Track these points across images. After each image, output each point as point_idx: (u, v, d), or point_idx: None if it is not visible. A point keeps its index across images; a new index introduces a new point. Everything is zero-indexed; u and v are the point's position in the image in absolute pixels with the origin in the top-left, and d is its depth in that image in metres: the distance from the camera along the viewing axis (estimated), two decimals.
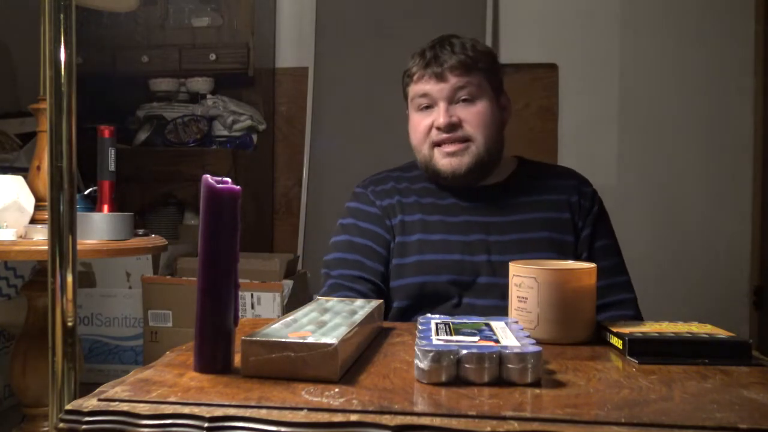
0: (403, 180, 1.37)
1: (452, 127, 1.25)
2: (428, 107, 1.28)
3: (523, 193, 1.31)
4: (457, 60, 1.25)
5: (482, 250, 1.25)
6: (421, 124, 1.28)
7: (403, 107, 1.36)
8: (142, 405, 0.59)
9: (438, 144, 1.26)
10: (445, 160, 1.26)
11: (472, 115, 1.25)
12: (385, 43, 2.88)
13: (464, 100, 1.26)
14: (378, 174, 1.40)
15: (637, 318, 1.21)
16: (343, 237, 1.33)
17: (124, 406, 0.59)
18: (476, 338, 0.73)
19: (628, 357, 0.79)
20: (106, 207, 1.57)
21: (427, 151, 1.28)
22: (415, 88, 1.28)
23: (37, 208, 1.51)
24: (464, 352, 0.66)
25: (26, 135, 2.50)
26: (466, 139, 1.25)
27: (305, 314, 0.82)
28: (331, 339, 0.66)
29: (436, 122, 1.25)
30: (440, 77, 1.25)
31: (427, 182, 1.35)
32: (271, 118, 3.05)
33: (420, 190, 1.34)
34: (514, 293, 0.90)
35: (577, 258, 1.25)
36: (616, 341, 0.84)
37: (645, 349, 0.79)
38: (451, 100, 1.26)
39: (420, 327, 0.79)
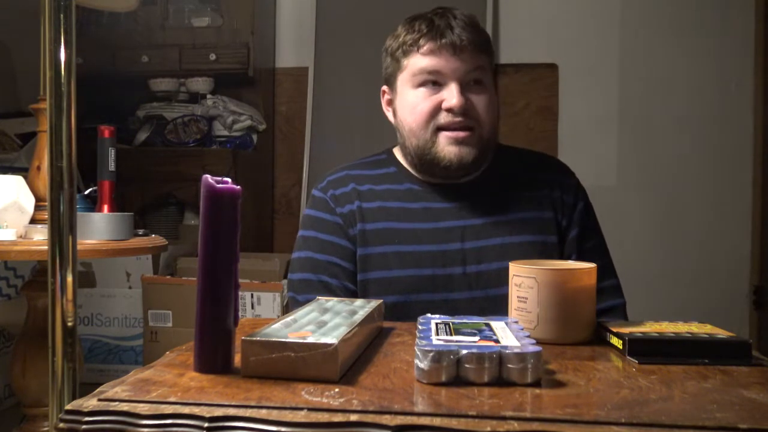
0: (364, 180, 1.21)
1: (464, 111, 1.11)
2: (433, 84, 1.13)
3: (502, 189, 1.20)
4: (471, 35, 1.12)
5: (457, 260, 1.14)
6: (423, 104, 1.13)
7: None
8: (142, 405, 0.59)
9: (444, 128, 1.13)
10: (452, 148, 1.12)
11: (483, 102, 1.13)
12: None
13: (475, 83, 1.13)
14: (338, 172, 1.25)
15: None
16: (305, 254, 1.19)
17: (124, 406, 0.59)
18: (476, 338, 0.72)
19: (628, 357, 0.79)
20: (106, 207, 1.57)
21: (429, 135, 1.13)
22: (420, 62, 1.13)
23: (37, 208, 1.51)
24: (464, 352, 0.66)
25: (26, 135, 2.50)
26: (471, 127, 1.13)
27: (305, 314, 0.82)
28: (331, 339, 0.66)
29: (448, 103, 1.11)
30: (457, 51, 1.10)
31: (394, 183, 1.21)
32: (271, 118, 3.05)
33: (384, 192, 1.20)
34: (514, 293, 0.90)
35: (565, 260, 1.16)
36: (616, 341, 0.84)
37: (645, 349, 0.79)
38: (463, 81, 1.12)
39: (420, 327, 0.79)
